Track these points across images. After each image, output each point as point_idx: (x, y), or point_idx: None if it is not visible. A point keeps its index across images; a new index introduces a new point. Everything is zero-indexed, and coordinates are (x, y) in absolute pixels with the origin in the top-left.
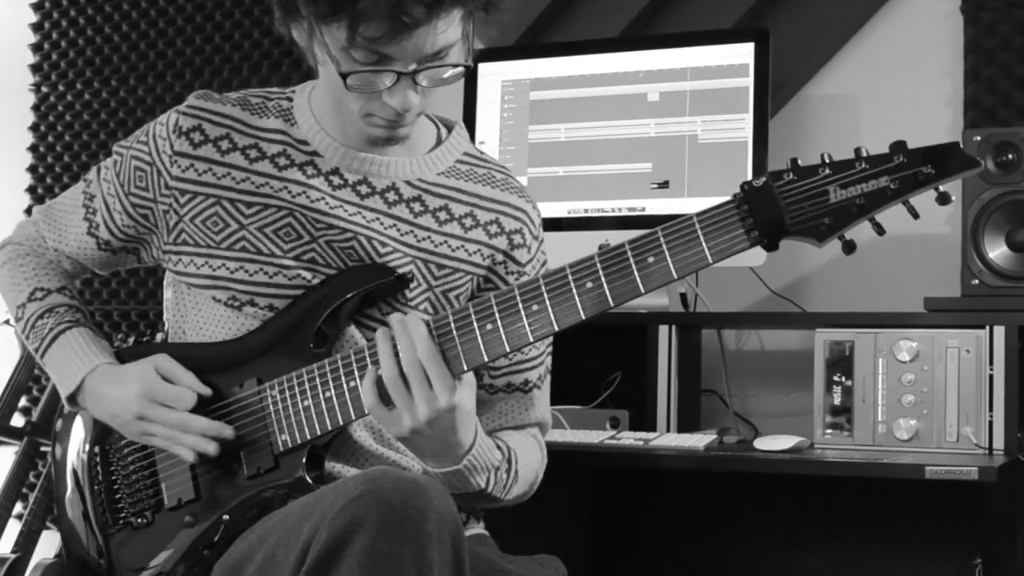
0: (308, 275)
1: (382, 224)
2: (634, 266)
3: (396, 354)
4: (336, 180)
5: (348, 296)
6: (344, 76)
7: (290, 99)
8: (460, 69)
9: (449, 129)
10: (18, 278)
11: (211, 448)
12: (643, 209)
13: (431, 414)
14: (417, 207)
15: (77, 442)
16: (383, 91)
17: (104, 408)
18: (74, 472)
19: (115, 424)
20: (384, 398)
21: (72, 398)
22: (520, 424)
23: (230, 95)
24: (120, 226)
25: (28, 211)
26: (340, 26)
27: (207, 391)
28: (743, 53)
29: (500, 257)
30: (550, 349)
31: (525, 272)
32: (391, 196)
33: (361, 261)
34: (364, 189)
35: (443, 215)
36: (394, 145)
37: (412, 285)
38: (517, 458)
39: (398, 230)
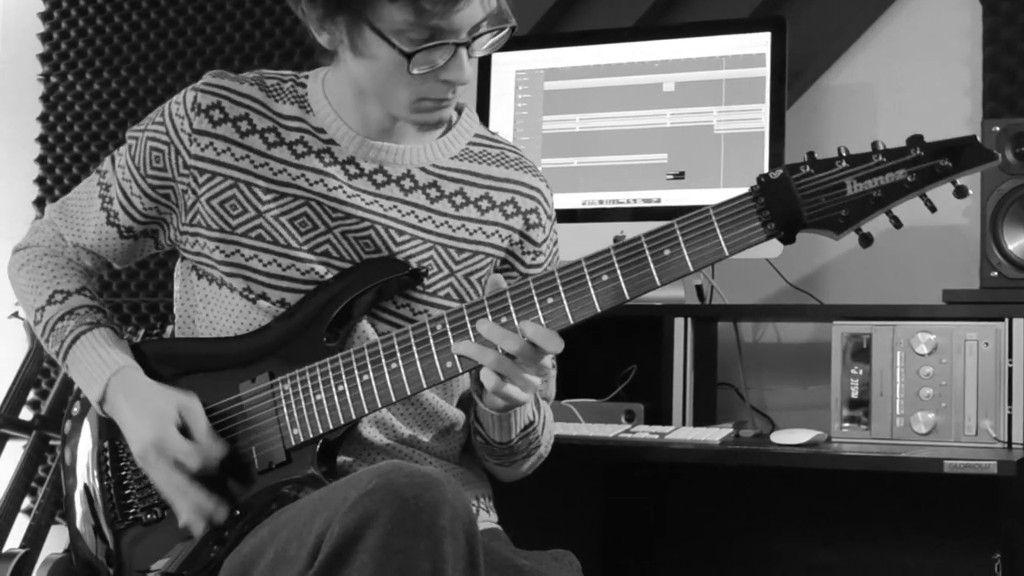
0: (322, 269)
1: (400, 212)
2: (650, 259)
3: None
4: (352, 169)
5: (361, 291)
6: (409, 56)
7: (304, 85)
8: (506, 32)
9: (459, 112)
10: (37, 281)
11: (198, 530)
12: (659, 200)
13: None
14: (433, 193)
15: (86, 438)
16: (439, 69)
17: (120, 423)
18: (83, 468)
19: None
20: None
21: (101, 405)
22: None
23: (246, 75)
24: (141, 209)
25: (37, 201)
26: (402, 6)
27: (220, 454)
28: (760, 43)
29: (517, 238)
30: None
31: (541, 251)
32: (407, 183)
33: (377, 251)
34: (380, 178)
35: (459, 199)
36: (439, 129)
37: (432, 272)
38: (539, 403)
39: (416, 217)
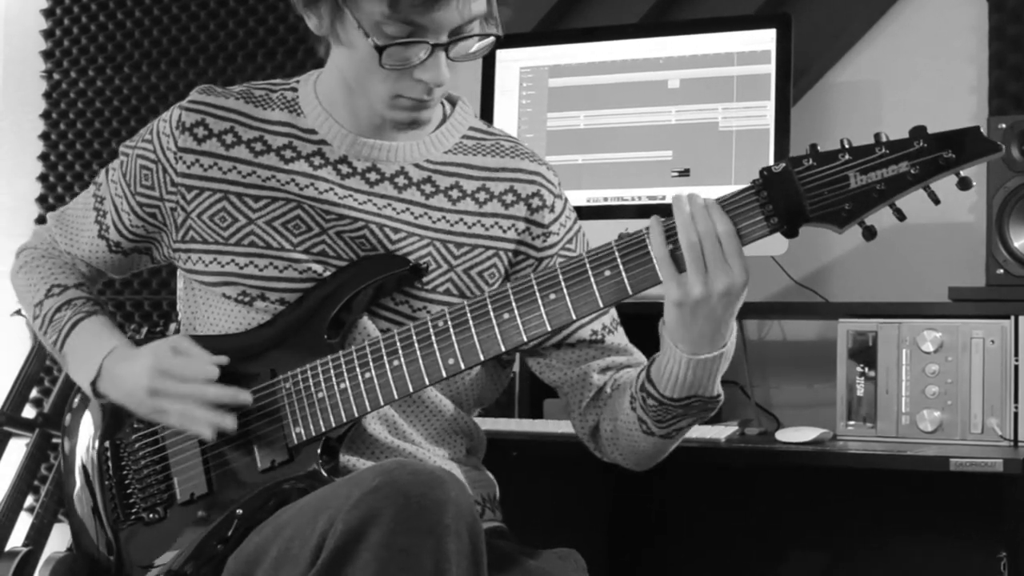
0: (319, 268)
1: (394, 210)
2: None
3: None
4: (345, 169)
5: (361, 287)
6: (380, 50)
7: (295, 89)
8: (489, 40)
9: (453, 104)
10: (35, 278)
11: (228, 422)
12: (664, 197)
13: (724, 287)
14: (428, 188)
15: (87, 436)
16: (415, 67)
17: (119, 388)
18: (84, 467)
19: (131, 404)
20: (677, 264)
21: (94, 386)
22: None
23: (233, 88)
24: (129, 226)
25: (40, 199)
26: None
27: (223, 360)
28: (765, 39)
29: (523, 225)
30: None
31: (551, 231)
32: (400, 180)
33: (373, 250)
34: (373, 176)
35: (455, 193)
36: (415, 129)
37: (431, 268)
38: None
39: (412, 214)
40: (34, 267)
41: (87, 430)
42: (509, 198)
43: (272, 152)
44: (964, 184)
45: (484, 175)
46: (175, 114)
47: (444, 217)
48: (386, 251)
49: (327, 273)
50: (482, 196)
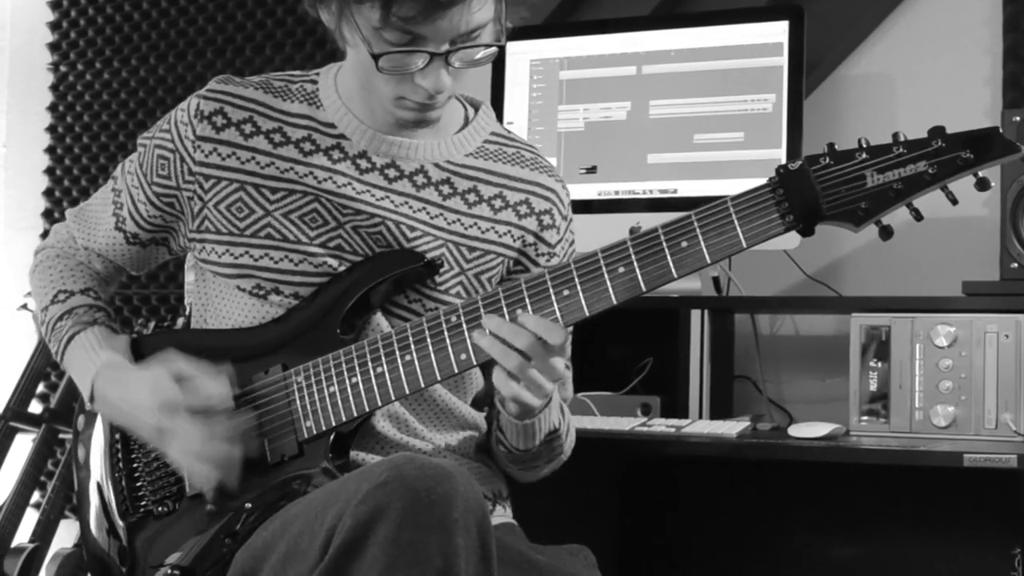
0: (334, 262)
1: (411, 208)
2: (667, 251)
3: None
4: (364, 163)
5: (377, 282)
6: (376, 57)
7: (314, 82)
8: (493, 50)
9: (476, 109)
10: (45, 281)
11: (231, 481)
12: (675, 191)
13: (551, 388)
14: (446, 189)
15: (98, 429)
16: (415, 73)
17: (118, 417)
18: (94, 460)
19: (138, 433)
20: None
21: (93, 404)
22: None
23: (252, 79)
24: (146, 217)
25: (47, 192)
26: (373, 6)
27: (228, 386)
28: (777, 31)
29: (530, 239)
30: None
31: (555, 253)
32: (419, 179)
33: (389, 246)
34: (392, 172)
35: (472, 197)
36: (424, 128)
37: (443, 269)
38: (564, 409)
39: (428, 213)
40: (46, 268)
41: (98, 422)
42: (523, 209)
43: (291, 144)
44: (982, 185)
45: (503, 182)
46: (193, 103)
47: (459, 220)
48: (401, 247)
49: (342, 268)
50: (498, 203)
